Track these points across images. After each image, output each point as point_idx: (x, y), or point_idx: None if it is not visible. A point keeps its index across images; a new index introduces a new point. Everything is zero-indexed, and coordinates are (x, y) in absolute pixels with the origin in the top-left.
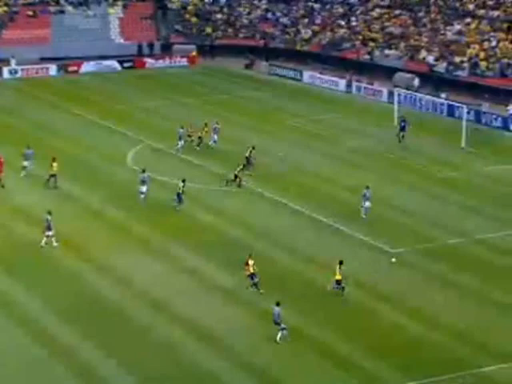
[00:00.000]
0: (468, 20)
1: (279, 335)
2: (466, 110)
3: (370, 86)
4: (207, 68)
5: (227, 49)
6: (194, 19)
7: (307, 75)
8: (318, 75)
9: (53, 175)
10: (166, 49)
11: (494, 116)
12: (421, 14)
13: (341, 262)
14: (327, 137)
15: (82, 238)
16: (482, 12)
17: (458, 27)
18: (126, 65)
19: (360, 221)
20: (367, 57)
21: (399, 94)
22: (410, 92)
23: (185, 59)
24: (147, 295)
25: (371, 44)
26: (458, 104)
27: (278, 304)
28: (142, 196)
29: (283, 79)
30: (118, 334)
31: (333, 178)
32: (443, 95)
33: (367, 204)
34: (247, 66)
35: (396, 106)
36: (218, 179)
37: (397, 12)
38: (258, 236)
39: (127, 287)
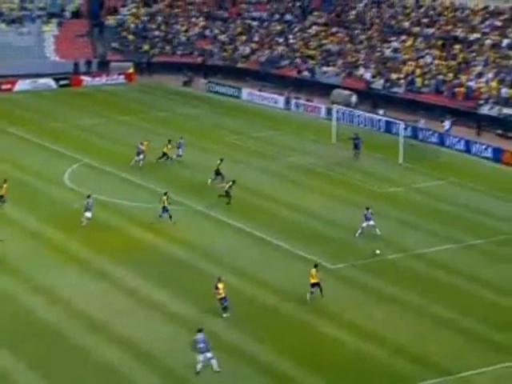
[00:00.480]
0: (404, 37)
1: (215, 364)
2: (403, 127)
3: (308, 103)
4: (145, 85)
5: (165, 66)
6: (130, 36)
7: (246, 92)
8: (257, 92)
9: (1, 196)
10: (103, 66)
11: (430, 132)
12: (357, 32)
13: (315, 266)
14: (267, 154)
15: (18, 259)
16: (417, 29)
17: (394, 44)
18: (62, 83)
19: (301, 238)
20: (306, 74)
21: (337, 111)
22: (348, 108)
23: (122, 76)
24: (85, 315)
25: (311, 62)
26: (395, 120)
27: (200, 330)
28: (86, 221)
29: (222, 96)
30: (54, 355)
31: (273, 195)
32: (381, 112)
33: (365, 224)
34: (185, 84)
35: (334, 123)
36: (158, 198)
37: (334, 30)
38: (200, 255)
39: (64, 308)
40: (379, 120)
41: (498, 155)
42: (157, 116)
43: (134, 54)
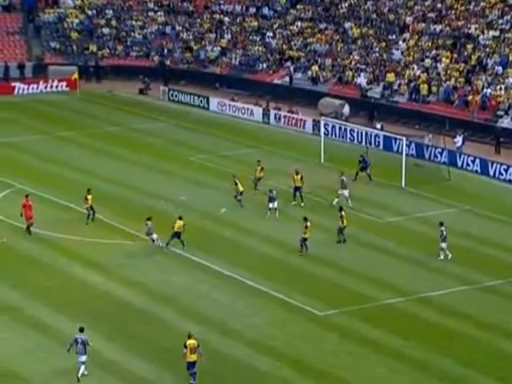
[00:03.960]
0: (406, 35)
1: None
2: (405, 143)
3: (291, 115)
4: (92, 94)
5: (116, 70)
6: (74, 34)
7: (215, 102)
8: (229, 102)
9: None
10: (40, 71)
11: (439, 150)
12: (350, 28)
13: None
14: (240, 177)
15: None
16: (422, 26)
17: (394, 44)
18: None
19: (281, 278)
20: (288, 79)
21: (326, 124)
22: (339, 121)
23: (64, 83)
24: (16, 377)
25: (294, 65)
26: (396, 136)
27: (81, 330)
28: None
29: (186, 107)
30: None
31: (247, 226)
32: (378, 125)
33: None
34: (141, 92)
35: (322, 139)
36: (107, 231)
37: (322, 26)
38: (153, 298)
39: None
40: (377, 135)
41: None
42: (107, 131)
43: (79, 55)
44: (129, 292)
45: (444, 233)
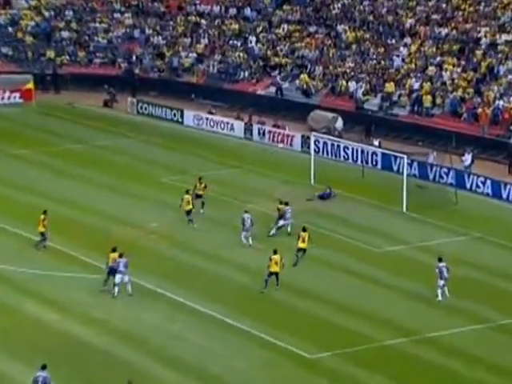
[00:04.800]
0: (407, 40)
1: None
2: (407, 162)
3: (276, 130)
4: (49, 106)
5: (78, 80)
6: (29, 39)
7: (190, 116)
8: (206, 116)
9: None
10: None
11: (445, 170)
12: (343, 32)
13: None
14: (218, 199)
15: None
16: (425, 29)
17: (393, 49)
18: None
19: (265, 315)
20: (273, 90)
21: (317, 141)
22: (331, 137)
23: (17, 94)
24: None
25: (281, 73)
26: (396, 153)
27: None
28: None
29: (157, 121)
30: None
31: (225, 255)
32: (376, 142)
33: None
34: (106, 104)
35: (312, 157)
36: (65, 261)
37: (311, 29)
38: (120, 340)
39: None
40: (374, 153)
41: None
42: (67, 149)
43: (34, 62)
44: (89, 331)
45: (444, 270)
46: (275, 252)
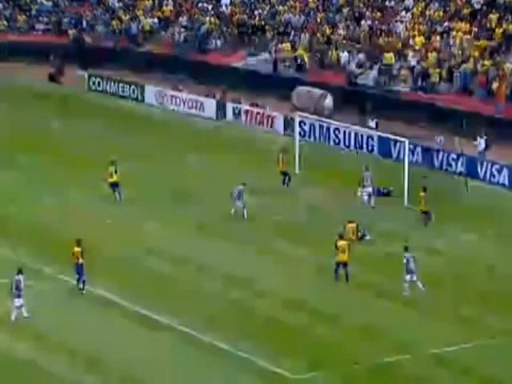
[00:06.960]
0: (408, 2)
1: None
2: (408, 147)
3: (255, 110)
4: None
5: (17, 49)
6: None
7: (152, 92)
8: (171, 92)
9: None
10: None
11: (454, 156)
12: None
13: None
14: (183, 191)
15: None
16: None
17: (393, 13)
18: None
19: (243, 330)
20: (251, 62)
21: (302, 122)
22: (319, 118)
23: None
24: None
25: (260, 40)
26: (396, 137)
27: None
28: None
29: (112, 99)
30: None
31: (194, 258)
32: (372, 123)
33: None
34: (52, 78)
35: (297, 141)
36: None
37: None
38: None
39: None
40: (370, 136)
41: None
42: (5, 133)
43: None
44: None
45: (410, 261)
46: (341, 237)
